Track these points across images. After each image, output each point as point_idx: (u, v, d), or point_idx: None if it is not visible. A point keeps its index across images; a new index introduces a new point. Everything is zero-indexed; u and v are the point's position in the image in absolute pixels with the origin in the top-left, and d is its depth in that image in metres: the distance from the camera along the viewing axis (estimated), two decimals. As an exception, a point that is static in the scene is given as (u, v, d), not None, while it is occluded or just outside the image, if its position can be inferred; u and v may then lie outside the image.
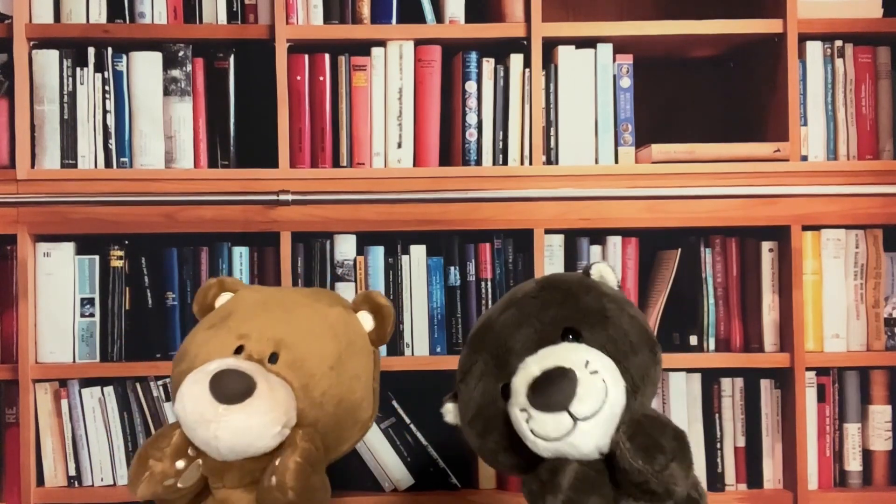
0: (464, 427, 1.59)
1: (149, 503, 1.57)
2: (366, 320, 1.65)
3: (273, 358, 1.56)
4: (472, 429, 1.56)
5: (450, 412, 1.62)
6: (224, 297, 1.70)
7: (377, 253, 2.23)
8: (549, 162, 2.24)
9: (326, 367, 1.57)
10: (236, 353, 1.57)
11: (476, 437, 1.56)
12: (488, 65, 2.25)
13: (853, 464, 2.26)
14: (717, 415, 2.25)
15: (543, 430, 1.41)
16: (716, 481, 2.24)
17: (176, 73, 2.22)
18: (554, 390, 1.38)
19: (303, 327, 1.59)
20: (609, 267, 1.62)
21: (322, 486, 1.55)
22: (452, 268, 2.24)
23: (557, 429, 1.40)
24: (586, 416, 1.39)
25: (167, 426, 1.58)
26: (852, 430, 2.26)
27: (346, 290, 2.20)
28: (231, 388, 1.44)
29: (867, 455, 2.27)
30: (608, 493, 1.45)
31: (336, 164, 2.24)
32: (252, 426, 1.47)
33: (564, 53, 2.25)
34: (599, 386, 1.40)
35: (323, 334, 1.60)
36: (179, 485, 1.52)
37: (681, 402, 2.24)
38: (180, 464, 1.51)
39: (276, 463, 1.49)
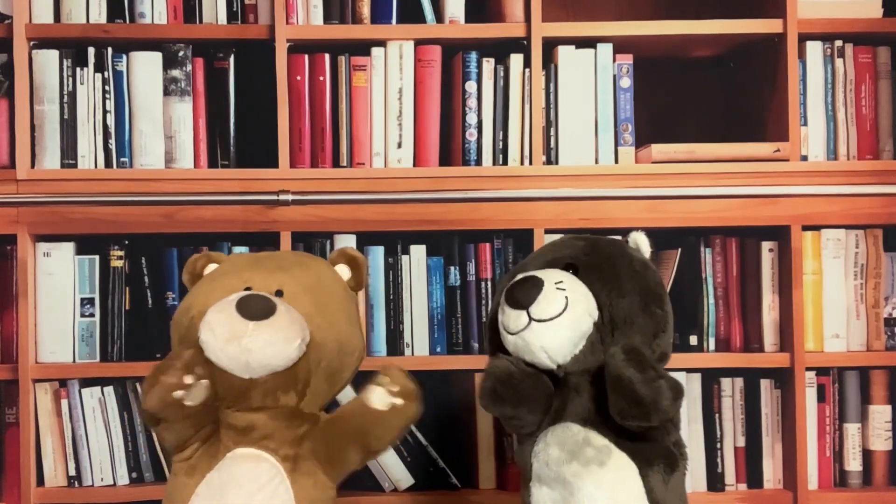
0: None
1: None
2: (343, 272, 1.80)
3: (278, 293, 1.69)
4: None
5: None
6: (211, 268, 1.80)
7: (377, 253, 2.23)
8: (549, 162, 2.24)
9: (323, 305, 1.71)
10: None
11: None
12: (488, 65, 2.25)
13: (853, 464, 2.26)
14: (717, 415, 2.25)
15: (507, 322, 1.66)
16: (716, 481, 2.24)
17: (176, 73, 2.22)
18: (520, 292, 1.64)
19: (297, 275, 1.73)
20: (644, 237, 1.79)
21: None
22: (452, 268, 2.24)
23: (517, 323, 1.64)
24: (541, 318, 1.62)
25: (178, 349, 1.64)
26: (852, 430, 2.26)
27: (346, 290, 2.20)
28: (257, 307, 1.60)
29: (867, 455, 2.27)
30: (532, 401, 1.66)
31: (336, 164, 2.24)
32: (278, 339, 1.60)
33: (564, 53, 2.25)
34: (560, 298, 1.63)
35: (315, 280, 1.74)
36: (187, 402, 1.58)
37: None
38: (188, 378, 1.57)
39: (384, 383, 1.65)
